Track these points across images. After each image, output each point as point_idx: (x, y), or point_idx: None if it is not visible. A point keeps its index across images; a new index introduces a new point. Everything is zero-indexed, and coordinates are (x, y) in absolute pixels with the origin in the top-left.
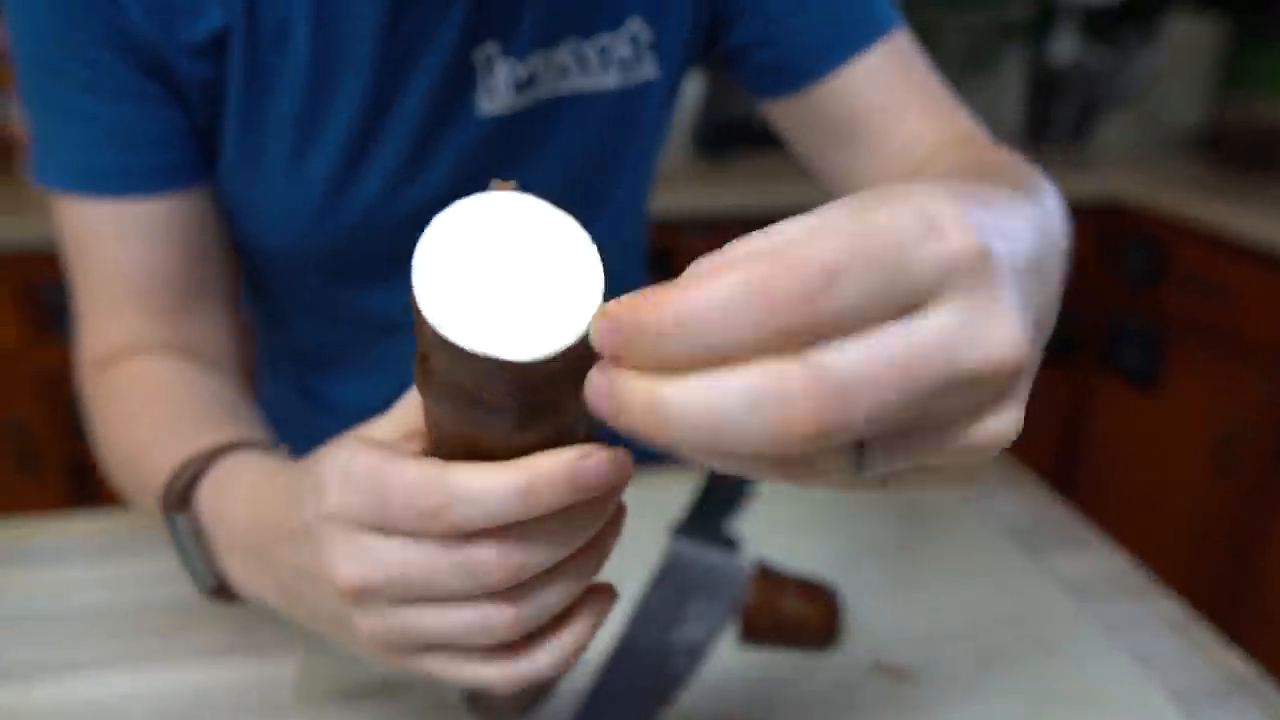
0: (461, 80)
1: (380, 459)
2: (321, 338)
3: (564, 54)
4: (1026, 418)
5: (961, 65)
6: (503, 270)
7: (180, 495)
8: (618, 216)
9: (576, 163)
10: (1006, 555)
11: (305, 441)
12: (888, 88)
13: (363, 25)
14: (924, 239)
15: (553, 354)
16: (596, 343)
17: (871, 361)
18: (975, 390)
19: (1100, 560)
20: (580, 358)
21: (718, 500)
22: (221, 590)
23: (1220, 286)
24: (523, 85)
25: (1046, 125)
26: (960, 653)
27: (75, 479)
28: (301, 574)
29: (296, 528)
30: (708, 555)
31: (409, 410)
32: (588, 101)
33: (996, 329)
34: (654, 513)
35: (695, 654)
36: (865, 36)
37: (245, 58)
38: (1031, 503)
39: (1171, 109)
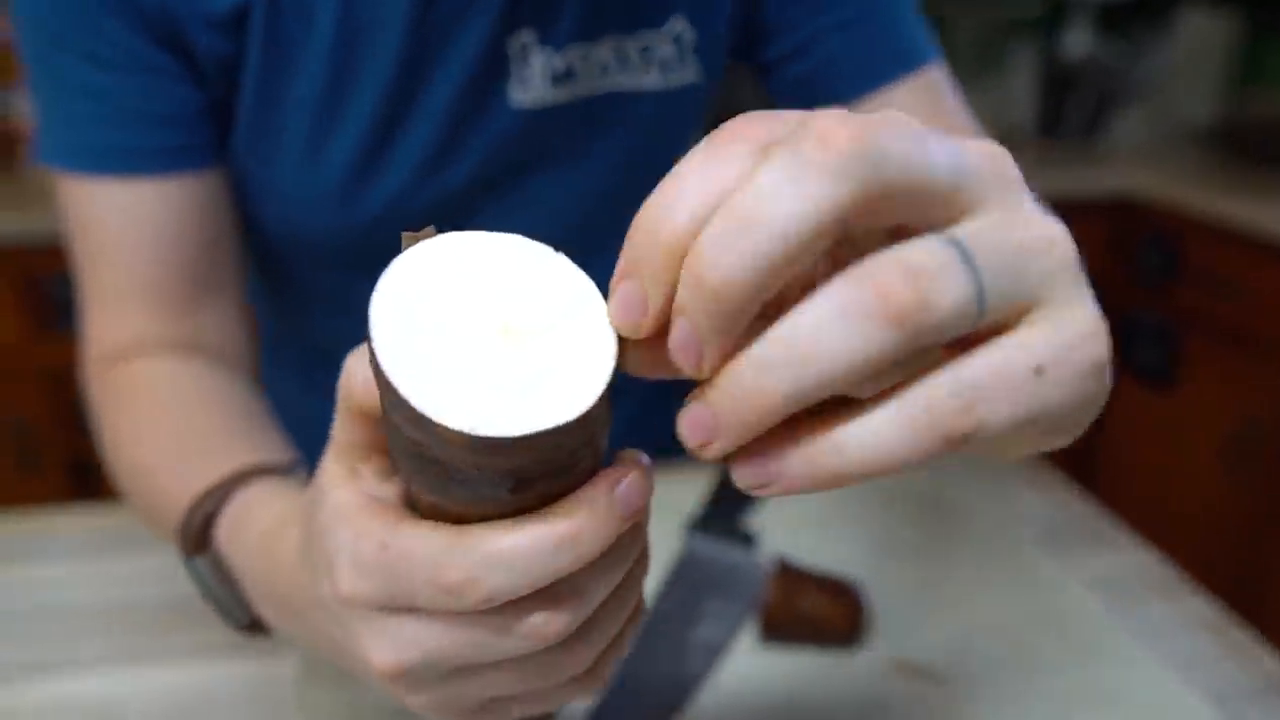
0: (495, 68)
1: (385, 534)
2: (333, 330)
3: (605, 50)
4: None
5: (973, 61)
6: (494, 325)
7: (198, 535)
8: None
9: (614, 165)
10: (1033, 554)
11: (303, 427)
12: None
13: (392, 6)
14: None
15: (566, 422)
16: (697, 440)
17: (1000, 363)
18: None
19: (1129, 559)
20: (598, 412)
21: (733, 496)
22: (254, 625)
23: (1234, 282)
24: (559, 78)
25: (1059, 121)
26: (987, 653)
27: (76, 476)
28: (339, 647)
29: (325, 598)
30: (724, 551)
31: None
32: (628, 101)
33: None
34: (668, 509)
35: (713, 652)
36: (898, 68)
37: (266, 33)
38: (1057, 501)
39: (1185, 104)
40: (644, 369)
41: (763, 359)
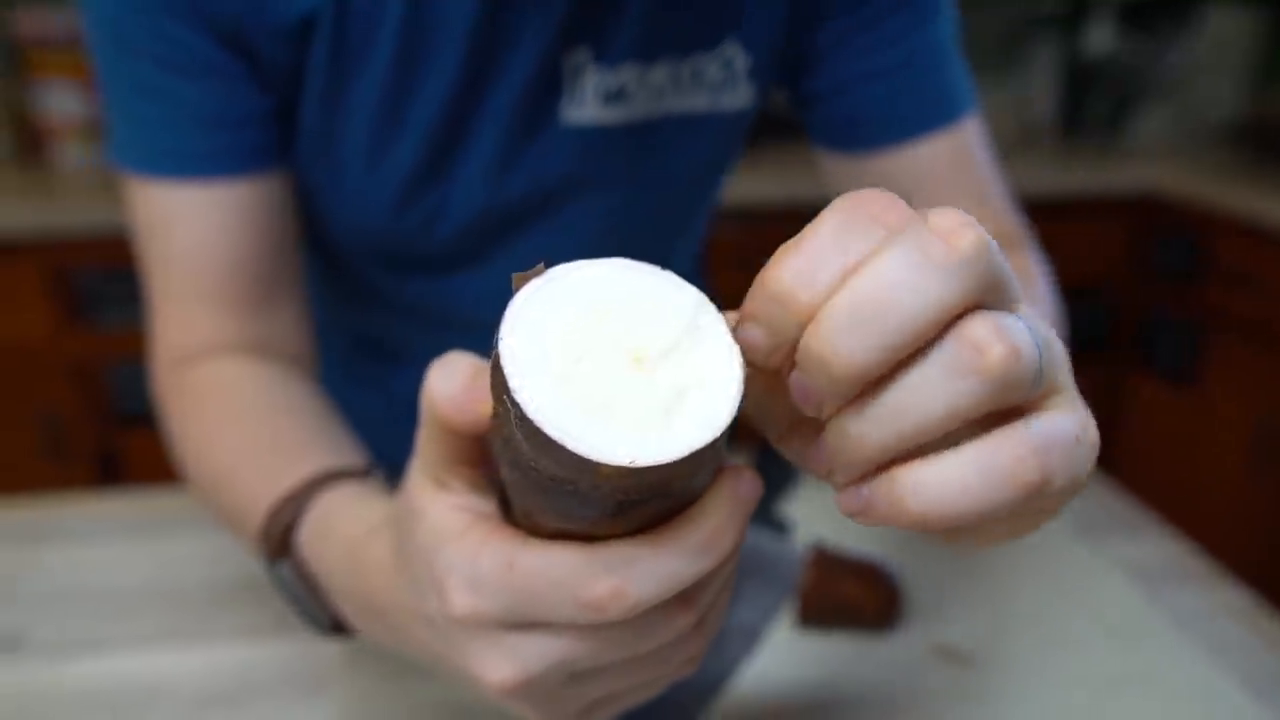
0: (550, 85)
1: (511, 552)
2: (383, 327)
3: (659, 72)
4: None
5: (994, 57)
6: (624, 353)
7: (279, 541)
8: (692, 242)
9: (667, 187)
10: (1066, 541)
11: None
12: (943, 177)
13: (455, 20)
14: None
15: (718, 436)
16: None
17: (1057, 428)
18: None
19: (1161, 548)
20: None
21: (767, 483)
22: (338, 627)
23: (1257, 279)
24: (613, 98)
25: (1081, 117)
26: (1021, 637)
27: (105, 469)
28: (444, 660)
29: (431, 615)
30: (760, 538)
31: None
32: (681, 124)
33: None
34: None
35: (750, 637)
36: (937, 119)
37: (332, 43)
38: (1089, 489)
39: (1209, 101)
40: (759, 395)
41: (867, 415)
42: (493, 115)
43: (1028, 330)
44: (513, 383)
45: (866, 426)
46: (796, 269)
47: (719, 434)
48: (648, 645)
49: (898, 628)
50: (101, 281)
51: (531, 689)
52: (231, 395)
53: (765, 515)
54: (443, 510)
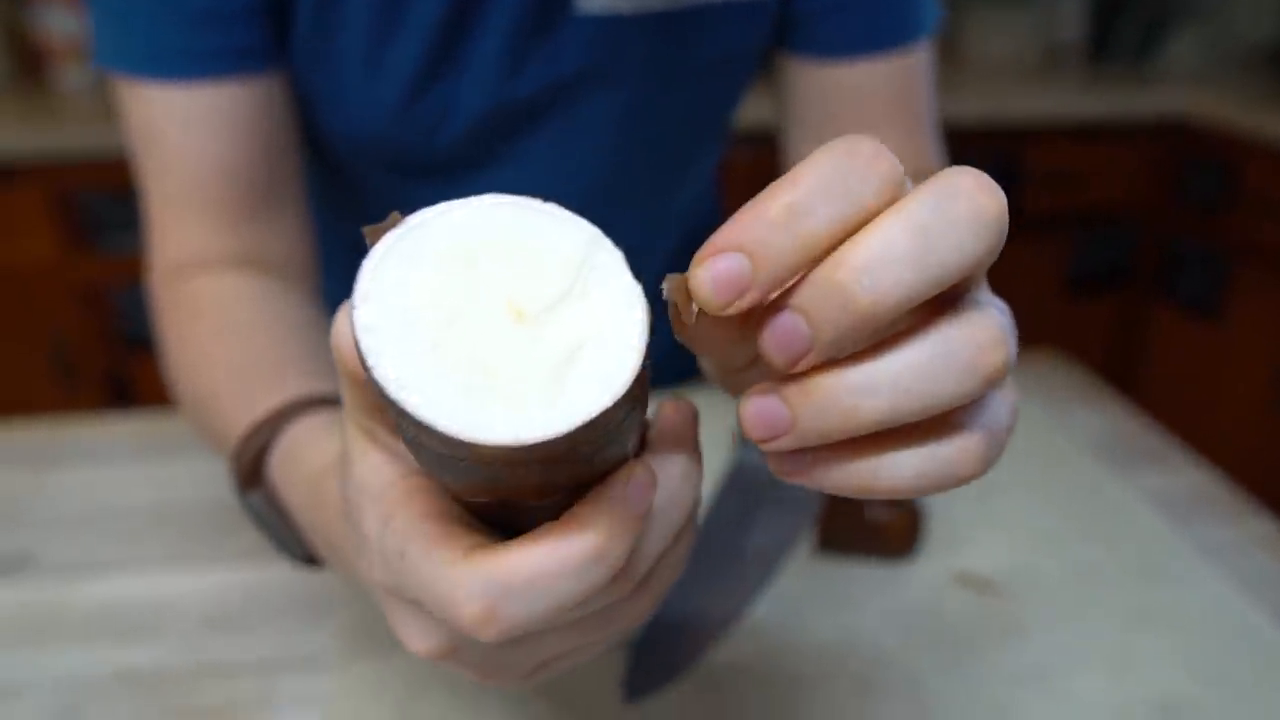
0: None
1: (404, 539)
2: None
3: None
4: (1079, 349)
5: None
6: (503, 311)
7: (249, 470)
8: (710, 157)
9: (687, 84)
10: (1090, 470)
11: None
12: (882, 101)
13: None
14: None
15: (614, 402)
16: (766, 423)
17: (1003, 409)
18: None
19: (1188, 478)
20: (641, 378)
21: None
22: (312, 559)
23: None
24: None
25: (1109, 42)
26: (1046, 567)
27: (113, 391)
28: (386, 615)
29: (365, 575)
30: None
31: None
32: (702, 14)
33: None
34: (718, 422)
35: (769, 562)
36: (890, 40)
37: None
38: (1113, 417)
39: (1243, 24)
40: (698, 342)
41: (862, 385)
42: (501, 5)
43: (1011, 326)
44: (369, 355)
45: (862, 397)
46: (797, 199)
47: (619, 395)
48: (575, 616)
49: (919, 555)
50: (107, 205)
51: (458, 658)
52: (219, 313)
53: None
54: (367, 467)
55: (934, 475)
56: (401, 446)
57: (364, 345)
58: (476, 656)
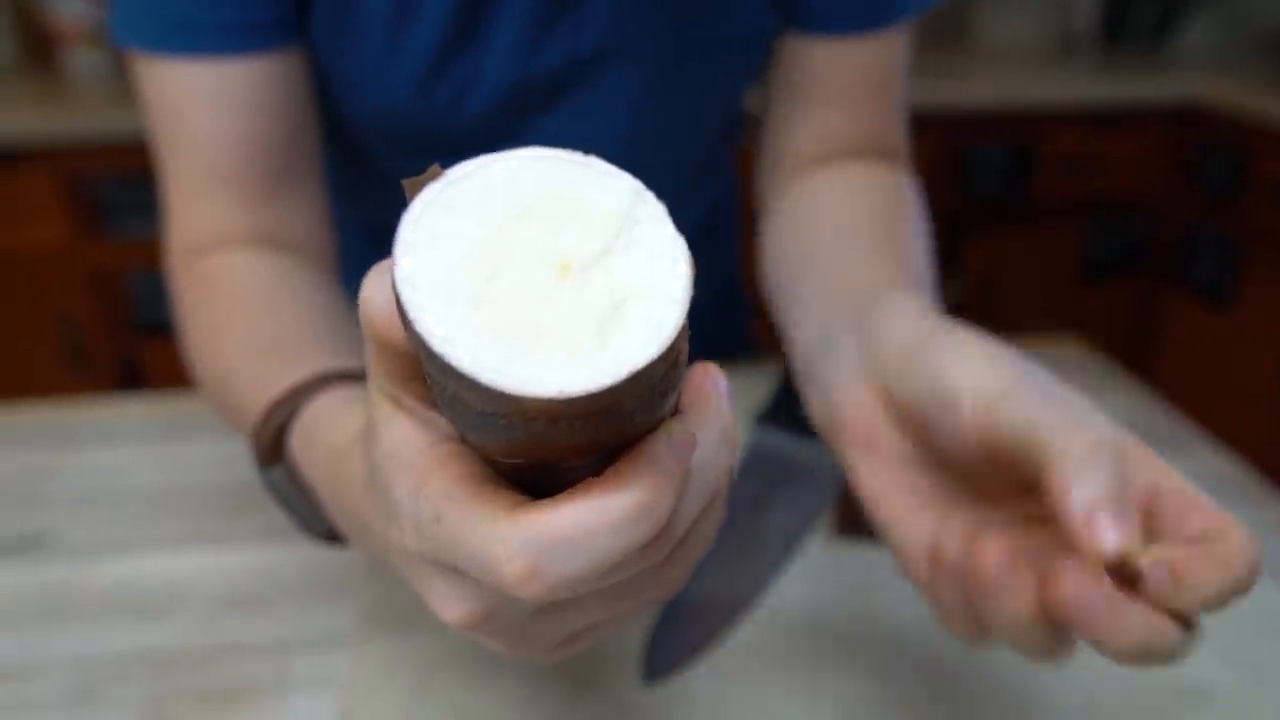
0: None
1: (440, 503)
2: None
3: None
4: (1092, 335)
5: None
6: (547, 264)
7: (270, 445)
8: (731, 138)
9: (710, 59)
10: None
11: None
12: (858, 82)
13: None
14: None
15: (658, 355)
16: None
17: None
18: None
19: (1208, 464)
20: (682, 332)
21: (800, 392)
22: (332, 536)
23: None
24: None
25: (1123, 27)
26: None
27: (125, 375)
28: (416, 585)
29: (392, 543)
30: (794, 444)
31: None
32: None
33: None
34: (736, 404)
35: (785, 546)
36: (875, 20)
37: None
38: (1132, 405)
39: (1257, 8)
40: None
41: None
42: None
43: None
44: (411, 309)
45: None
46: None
47: (665, 348)
48: (612, 581)
49: None
50: (118, 189)
51: (489, 627)
52: (237, 289)
53: (799, 423)
54: (397, 433)
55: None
56: (430, 414)
57: (406, 299)
58: (508, 624)
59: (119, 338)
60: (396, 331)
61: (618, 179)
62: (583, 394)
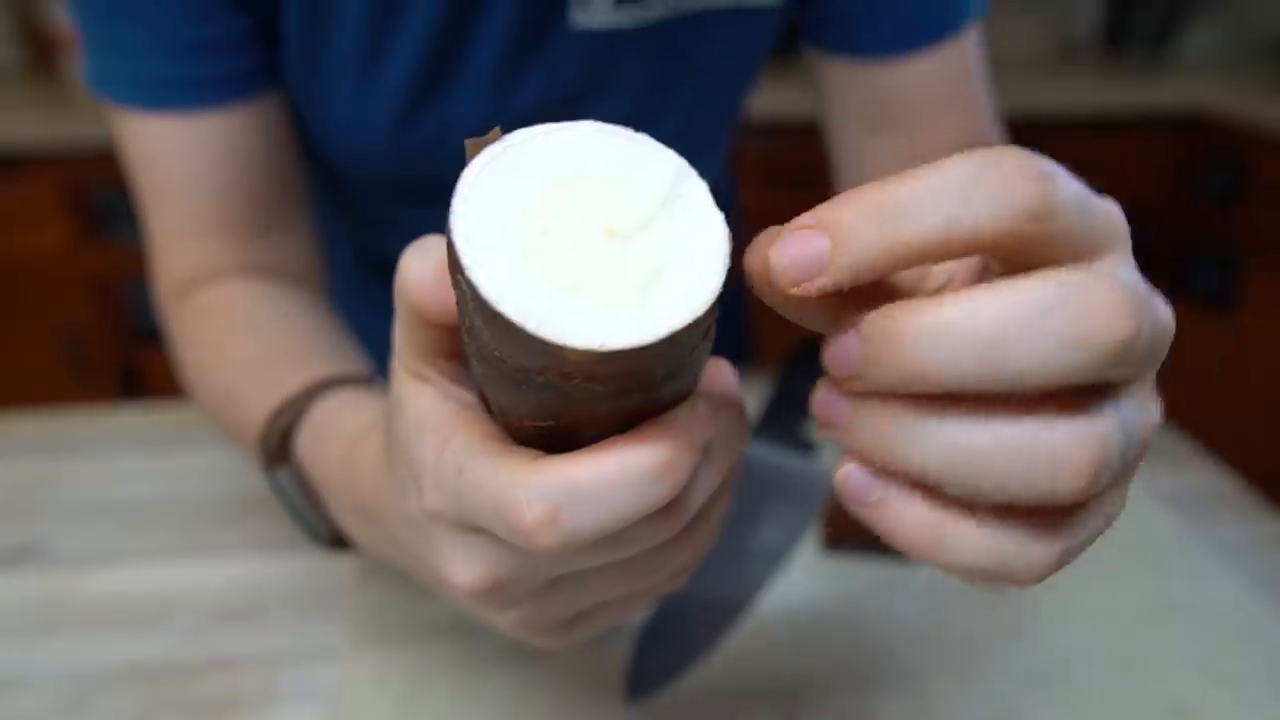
0: None
1: (464, 456)
2: (393, 250)
3: None
4: None
5: None
6: (595, 226)
7: (278, 447)
8: (717, 154)
9: (688, 94)
10: None
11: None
12: (940, 96)
13: None
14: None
15: (697, 317)
16: (839, 361)
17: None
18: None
19: (1202, 477)
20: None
21: (792, 406)
22: (337, 540)
23: None
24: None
25: (1124, 34)
26: None
27: (125, 383)
28: (421, 561)
29: (410, 513)
30: (784, 457)
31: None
32: (704, 23)
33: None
34: None
35: (773, 559)
36: (929, 36)
37: None
38: None
39: (1258, 16)
40: (775, 305)
41: (935, 339)
42: (494, 23)
43: (1124, 437)
44: (465, 259)
45: (930, 351)
46: (901, 195)
47: (702, 313)
48: (625, 552)
49: None
50: (118, 197)
51: (501, 594)
52: (233, 312)
53: (790, 435)
54: (423, 402)
55: (990, 567)
56: (455, 389)
57: (461, 251)
58: (518, 595)
59: (118, 344)
60: (432, 301)
61: (666, 155)
62: (623, 348)
